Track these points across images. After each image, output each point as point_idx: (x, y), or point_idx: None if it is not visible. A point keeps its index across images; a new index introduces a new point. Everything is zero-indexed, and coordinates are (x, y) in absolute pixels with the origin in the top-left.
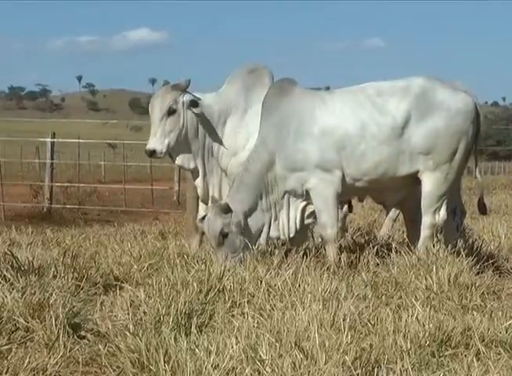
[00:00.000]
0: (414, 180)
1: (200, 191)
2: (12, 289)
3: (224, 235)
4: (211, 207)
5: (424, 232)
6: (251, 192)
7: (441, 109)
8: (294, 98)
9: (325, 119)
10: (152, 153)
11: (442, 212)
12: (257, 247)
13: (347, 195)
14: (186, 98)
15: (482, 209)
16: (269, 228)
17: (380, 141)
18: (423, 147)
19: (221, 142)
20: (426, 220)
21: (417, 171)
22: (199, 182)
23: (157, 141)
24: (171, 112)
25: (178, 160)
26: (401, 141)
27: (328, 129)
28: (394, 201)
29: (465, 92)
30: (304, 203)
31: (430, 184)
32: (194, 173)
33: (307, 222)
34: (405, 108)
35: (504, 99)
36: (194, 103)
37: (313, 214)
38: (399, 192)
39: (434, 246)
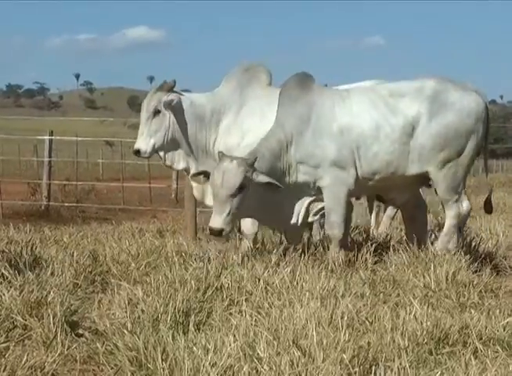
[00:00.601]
0: (423, 178)
1: (195, 191)
2: (10, 287)
3: (241, 187)
4: (228, 159)
5: (449, 221)
6: (264, 164)
7: (453, 110)
8: (315, 94)
9: (344, 117)
10: (137, 153)
11: (466, 202)
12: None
13: (357, 193)
14: (168, 98)
15: (488, 208)
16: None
17: (392, 141)
18: (434, 147)
19: (214, 141)
20: (450, 212)
21: (427, 171)
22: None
23: (143, 141)
24: (155, 112)
25: (167, 161)
26: (412, 141)
27: (346, 128)
28: (404, 199)
29: (475, 92)
30: (311, 199)
31: (443, 180)
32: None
33: (312, 219)
34: (418, 109)
35: (502, 97)
36: (169, 104)
37: (319, 211)
38: (409, 190)
39: (432, 244)
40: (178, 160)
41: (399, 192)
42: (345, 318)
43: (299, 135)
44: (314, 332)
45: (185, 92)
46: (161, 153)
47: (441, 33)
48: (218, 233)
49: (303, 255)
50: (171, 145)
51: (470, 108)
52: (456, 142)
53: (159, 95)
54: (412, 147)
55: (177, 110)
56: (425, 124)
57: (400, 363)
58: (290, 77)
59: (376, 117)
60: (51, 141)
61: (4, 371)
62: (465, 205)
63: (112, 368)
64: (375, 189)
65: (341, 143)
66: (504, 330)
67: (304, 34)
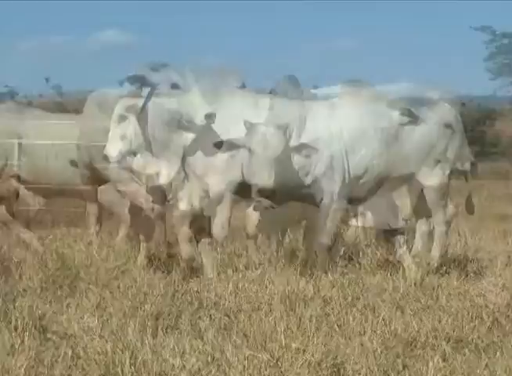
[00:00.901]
0: (405, 180)
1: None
2: None
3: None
4: (262, 125)
5: (440, 229)
6: None
7: (432, 112)
8: (307, 98)
9: (335, 124)
10: (105, 158)
11: (450, 207)
12: None
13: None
14: (131, 103)
15: (470, 209)
16: None
17: (378, 145)
18: (419, 151)
19: (185, 145)
20: (437, 220)
21: (412, 173)
22: (166, 185)
23: (110, 147)
24: (121, 118)
25: (136, 165)
26: (397, 144)
27: (337, 135)
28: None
29: (450, 93)
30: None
31: (430, 184)
32: (154, 177)
33: None
34: (399, 112)
35: (471, 100)
36: (133, 108)
37: None
38: (391, 191)
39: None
40: (149, 164)
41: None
42: (314, 321)
43: (296, 137)
44: (282, 336)
45: (156, 97)
46: (129, 158)
47: (411, 35)
48: (269, 192)
49: (272, 259)
50: (139, 149)
51: (449, 109)
52: (440, 145)
53: (125, 100)
54: (397, 150)
55: (143, 114)
56: (407, 128)
57: (368, 367)
58: (282, 79)
59: (362, 121)
60: (20, 144)
61: None
62: (450, 209)
63: (80, 372)
64: (358, 193)
65: (333, 151)
66: (472, 333)
67: (277, 37)
